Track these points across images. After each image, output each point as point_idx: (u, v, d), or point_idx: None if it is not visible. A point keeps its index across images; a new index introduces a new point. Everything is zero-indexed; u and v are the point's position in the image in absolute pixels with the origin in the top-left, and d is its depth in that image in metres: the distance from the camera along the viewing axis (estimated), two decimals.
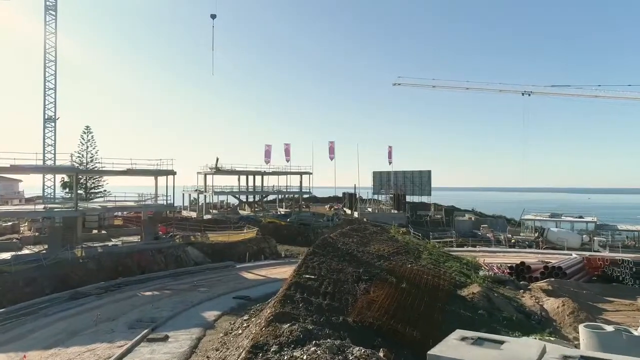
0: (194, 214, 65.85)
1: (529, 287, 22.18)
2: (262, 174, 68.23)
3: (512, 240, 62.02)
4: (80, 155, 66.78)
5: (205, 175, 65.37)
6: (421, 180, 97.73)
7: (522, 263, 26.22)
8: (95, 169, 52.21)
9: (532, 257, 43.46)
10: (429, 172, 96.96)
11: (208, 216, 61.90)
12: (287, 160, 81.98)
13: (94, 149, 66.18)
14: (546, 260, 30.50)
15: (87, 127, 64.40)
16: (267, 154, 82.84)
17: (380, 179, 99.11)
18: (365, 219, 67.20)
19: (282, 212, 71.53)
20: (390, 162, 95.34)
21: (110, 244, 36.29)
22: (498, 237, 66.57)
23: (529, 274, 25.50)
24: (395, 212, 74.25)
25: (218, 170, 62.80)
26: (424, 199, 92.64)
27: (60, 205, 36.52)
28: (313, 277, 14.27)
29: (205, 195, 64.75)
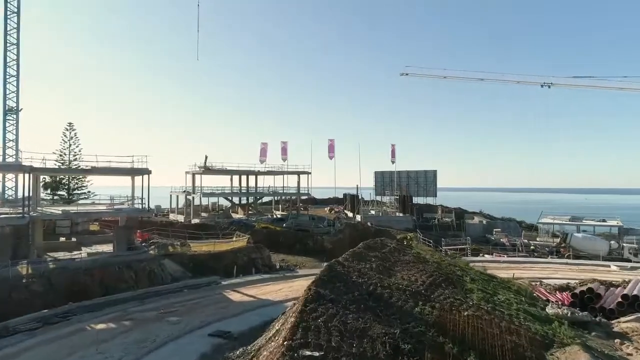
0: (181, 218, 59.88)
1: (615, 329, 16.31)
2: (256, 173, 62.20)
3: (531, 247, 56.26)
4: (63, 154, 60.87)
5: (194, 175, 59.35)
6: (426, 180, 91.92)
7: (591, 290, 20.22)
8: (57, 167, 46.02)
9: (565, 270, 37.70)
10: (435, 171, 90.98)
11: (196, 220, 55.92)
12: (284, 160, 76.41)
13: (77, 147, 60.40)
14: (603, 280, 24.66)
15: (70, 124, 58.63)
16: (263, 153, 77.04)
17: (383, 179, 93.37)
18: (369, 223, 61.31)
19: (278, 216, 65.55)
20: (393, 161, 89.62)
21: (65, 256, 30.19)
22: (513, 242, 60.89)
23: (598, 303, 19.62)
24: (401, 215, 68.37)
25: (207, 170, 56.80)
26: (429, 200, 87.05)
27: (10, 210, 30.43)
28: (317, 355, 8.22)
29: (193, 197, 58.71)
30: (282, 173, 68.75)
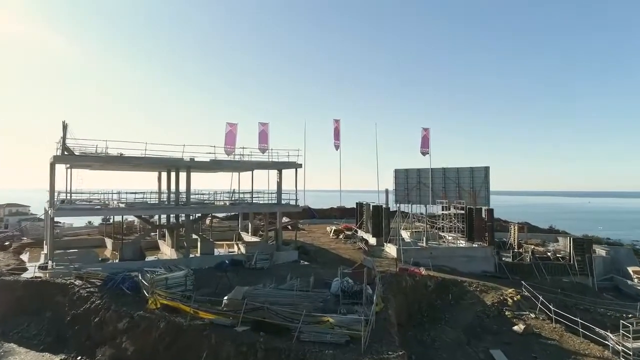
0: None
1: None
2: (190, 165, 30.47)
3: None
4: None
5: (51, 165, 27.62)
6: (472, 181, 58.67)
7: None
8: None
9: None
10: (486, 169, 57.62)
11: (39, 274, 24.45)
12: (263, 150, 45.53)
13: None
14: None
15: None
16: (230, 139, 45.87)
17: (406, 180, 60.80)
18: (422, 270, 30.55)
19: (242, 250, 34.29)
20: (425, 153, 58.36)
21: None
22: None
23: None
24: (469, 245, 37.72)
25: (69, 154, 25.19)
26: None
27: None
28: None
29: (51, 214, 26.87)
30: (250, 168, 37.70)
